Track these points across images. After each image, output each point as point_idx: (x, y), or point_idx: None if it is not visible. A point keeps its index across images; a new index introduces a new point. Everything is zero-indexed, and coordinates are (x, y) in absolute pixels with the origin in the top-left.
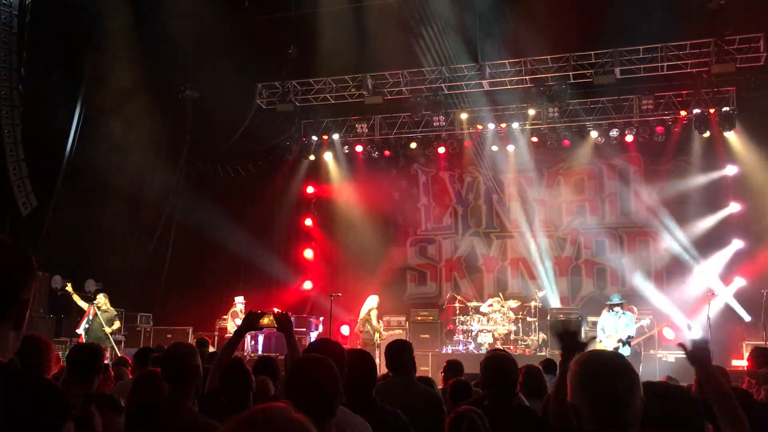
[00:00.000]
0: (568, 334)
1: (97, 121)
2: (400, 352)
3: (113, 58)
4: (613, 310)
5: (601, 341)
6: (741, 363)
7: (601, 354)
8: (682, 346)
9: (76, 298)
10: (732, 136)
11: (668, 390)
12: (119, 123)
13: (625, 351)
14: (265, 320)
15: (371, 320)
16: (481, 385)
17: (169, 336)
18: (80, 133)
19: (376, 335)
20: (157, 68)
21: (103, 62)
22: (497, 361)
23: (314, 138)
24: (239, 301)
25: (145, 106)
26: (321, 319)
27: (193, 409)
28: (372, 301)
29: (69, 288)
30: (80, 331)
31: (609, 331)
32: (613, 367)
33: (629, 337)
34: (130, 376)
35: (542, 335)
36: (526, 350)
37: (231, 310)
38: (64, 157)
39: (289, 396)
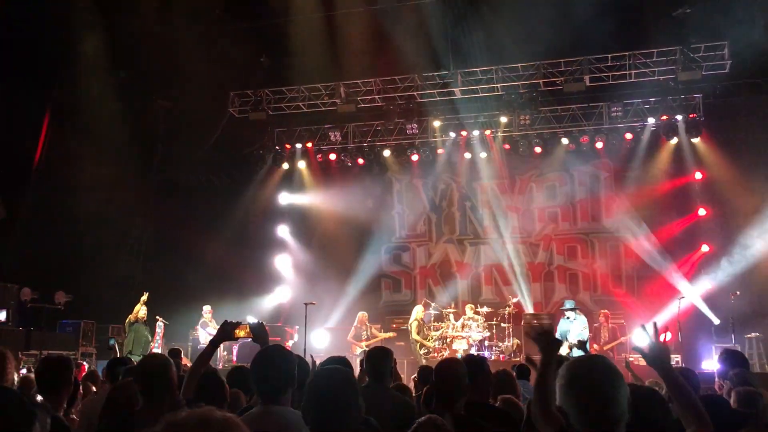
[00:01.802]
0: (543, 335)
1: (66, 131)
2: (379, 360)
3: (84, 66)
4: (566, 317)
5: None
6: (711, 365)
7: (586, 358)
8: (638, 350)
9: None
10: (699, 143)
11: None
12: (90, 133)
13: (579, 354)
14: (240, 333)
15: (411, 332)
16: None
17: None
18: (49, 143)
19: (417, 347)
20: (129, 77)
21: (73, 70)
22: (443, 366)
23: (287, 146)
24: (206, 311)
25: (117, 116)
26: (296, 327)
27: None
28: (414, 312)
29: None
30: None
31: (566, 337)
32: (598, 369)
33: (581, 341)
34: (93, 389)
35: (516, 340)
36: (501, 356)
37: (200, 320)
38: (32, 168)
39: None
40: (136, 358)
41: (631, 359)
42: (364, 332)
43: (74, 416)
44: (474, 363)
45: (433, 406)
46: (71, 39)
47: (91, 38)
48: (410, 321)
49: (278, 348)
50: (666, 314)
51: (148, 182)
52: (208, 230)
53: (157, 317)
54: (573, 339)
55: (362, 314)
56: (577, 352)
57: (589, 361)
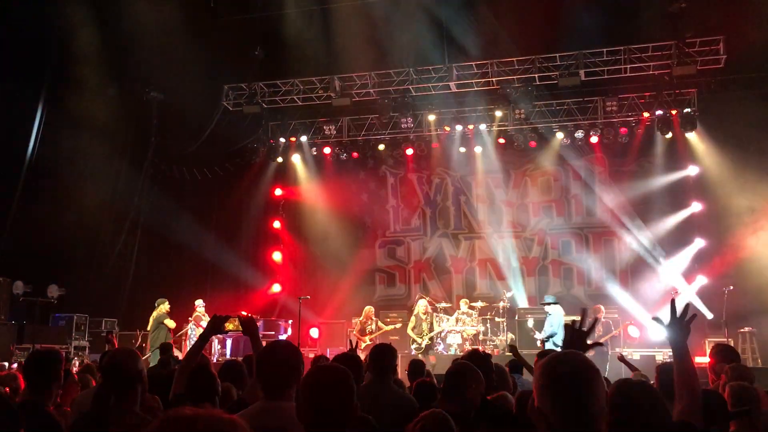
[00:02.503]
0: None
1: (59, 124)
2: (383, 358)
3: (76, 59)
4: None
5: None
6: (703, 360)
7: (560, 355)
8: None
9: (168, 322)
10: (693, 137)
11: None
12: (82, 125)
13: (548, 346)
14: (230, 326)
15: (412, 325)
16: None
17: (134, 341)
18: (42, 135)
19: (418, 339)
20: (122, 69)
21: (66, 63)
22: (455, 367)
23: (282, 140)
24: (199, 305)
25: (110, 108)
26: (290, 322)
27: (139, 414)
28: (416, 306)
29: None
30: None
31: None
32: (573, 366)
33: (548, 335)
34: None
35: (510, 335)
36: (495, 350)
37: (194, 315)
38: (25, 160)
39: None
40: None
41: (624, 353)
42: (369, 326)
43: (68, 409)
44: (479, 358)
45: (445, 399)
46: (64, 32)
47: (84, 31)
48: (413, 314)
49: (286, 343)
50: (656, 309)
51: (142, 175)
52: (202, 224)
53: (190, 318)
54: (544, 334)
55: (368, 309)
56: (548, 344)
57: (563, 359)
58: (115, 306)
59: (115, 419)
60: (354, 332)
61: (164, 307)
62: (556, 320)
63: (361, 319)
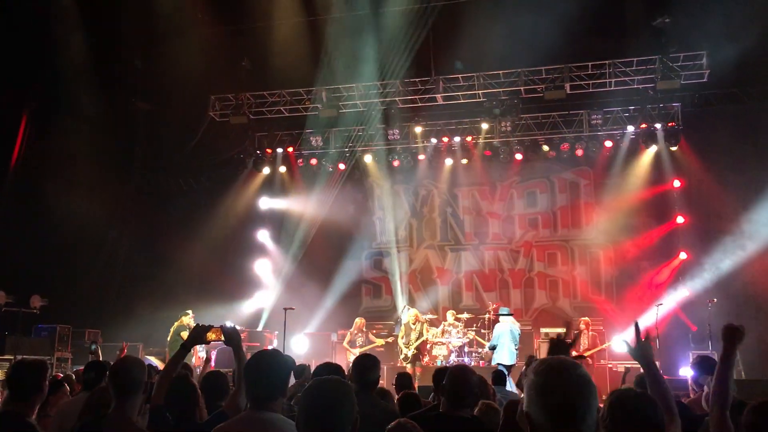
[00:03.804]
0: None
1: (44, 132)
2: (366, 369)
3: (62, 67)
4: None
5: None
6: (688, 372)
7: (559, 364)
8: (626, 344)
9: (184, 334)
10: (677, 151)
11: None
12: (68, 134)
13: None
14: (212, 336)
15: (401, 335)
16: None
17: (118, 353)
18: (26, 144)
19: (405, 349)
20: (108, 78)
21: (51, 71)
22: (457, 371)
23: (268, 151)
24: (188, 315)
25: (95, 117)
26: (276, 333)
27: (137, 425)
28: (406, 316)
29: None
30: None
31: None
32: (570, 379)
33: (491, 346)
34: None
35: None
36: (480, 362)
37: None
38: (9, 169)
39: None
40: None
41: (609, 365)
42: (359, 338)
43: (50, 414)
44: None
45: (443, 409)
46: (50, 39)
47: (70, 39)
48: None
49: (274, 352)
50: (645, 320)
51: (128, 185)
52: (188, 234)
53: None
54: (494, 341)
55: (359, 320)
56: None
57: (561, 369)
58: (98, 317)
59: (113, 425)
60: (344, 343)
61: (186, 319)
62: (497, 333)
63: (351, 330)
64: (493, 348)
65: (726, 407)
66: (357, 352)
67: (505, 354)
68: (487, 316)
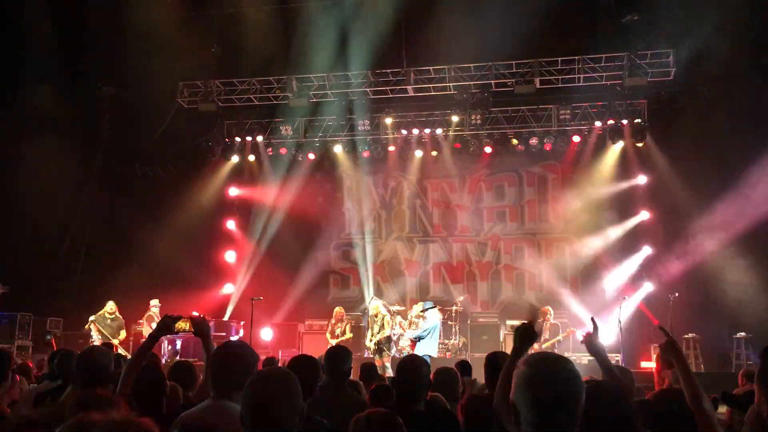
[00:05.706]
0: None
1: (5, 116)
2: (338, 361)
3: (24, 51)
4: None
5: None
6: (650, 365)
7: (550, 358)
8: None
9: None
10: (643, 147)
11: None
12: (31, 120)
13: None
14: (181, 324)
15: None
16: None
17: (80, 341)
18: None
19: (367, 342)
20: (73, 62)
21: (12, 56)
22: (406, 364)
23: (237, 139)
24: (154, 305)
25: (59, 101)
26: (242, 323)
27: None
28: (370, 308)
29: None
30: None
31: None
32: (560, 373)
33: (417, 336)
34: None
35: (463, 339)
36: (447, 354)
37: (146, 314)
38: None
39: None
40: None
41: (573, 357)
42: (338, 328)
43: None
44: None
45: (394, 402)
46: (12, 23)
47: (34, 23)
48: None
49: (240, 343)
50: (605, 314)
51: (92, 172)
52: (154, 223)
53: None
54: (415, 334)
55: (338, 310)
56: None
57: (551, 363)
58: (60, 305)
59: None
60: (326, 334)
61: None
62: (431, 326)
63: (331, 320)
64: (418, 338)
65: (697, 400)
66: (335, 343)
67: (434, 346)
68: (454, 308)
